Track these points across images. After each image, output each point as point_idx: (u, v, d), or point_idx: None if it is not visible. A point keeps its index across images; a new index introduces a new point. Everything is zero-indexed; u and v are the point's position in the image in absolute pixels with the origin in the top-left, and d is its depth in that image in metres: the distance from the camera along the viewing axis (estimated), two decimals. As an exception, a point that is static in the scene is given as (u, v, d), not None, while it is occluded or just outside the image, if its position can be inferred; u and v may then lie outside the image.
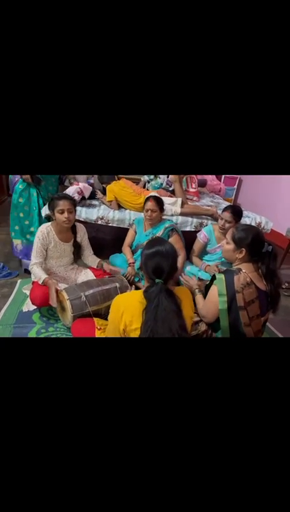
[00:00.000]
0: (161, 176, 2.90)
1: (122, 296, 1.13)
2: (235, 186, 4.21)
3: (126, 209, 2.48)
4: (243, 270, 1.17)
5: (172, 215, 2.45)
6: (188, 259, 2.25)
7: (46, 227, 1.74)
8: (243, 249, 1.19)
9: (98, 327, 1.47)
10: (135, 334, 0.99)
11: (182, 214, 2.47)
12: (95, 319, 1.54)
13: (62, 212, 1.66)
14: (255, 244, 1.18)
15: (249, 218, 2.57)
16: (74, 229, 1.82)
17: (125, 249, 2.22)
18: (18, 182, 2.17)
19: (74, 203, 1.72)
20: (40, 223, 2.10)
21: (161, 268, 0.99)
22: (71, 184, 2.46)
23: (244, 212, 2.47)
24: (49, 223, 1.78)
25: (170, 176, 2.86)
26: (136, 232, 2.20)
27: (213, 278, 1.24)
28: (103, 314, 1.63)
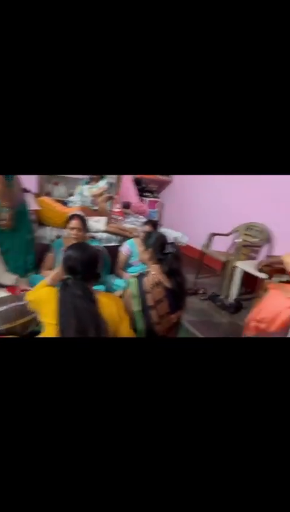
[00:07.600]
0: (85, 194, 2.98)
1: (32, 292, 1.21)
2: (157, 209, 4.58)
3: (47, 225, 2.45)
4: (153, 272, 1.27)
5: (96, 231, 2.52)
6: (114, 273, 2.31)
7: None
8: (150, 248, 1.32)
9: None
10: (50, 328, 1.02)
11: (105, 232, 2.55)
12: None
13: None
14: (157, 243, 1.32)
15: (167, 233, 2.82)
16: None
17: (45, 272, 2.12)
18: None
19: None
20: None
21: (74, 265, 1.05)
22: None
23: (164, 229, 2.72)
24: None
25: (94, 196, 2.95)
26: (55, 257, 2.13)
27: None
28: (19, 333, 1.51)
